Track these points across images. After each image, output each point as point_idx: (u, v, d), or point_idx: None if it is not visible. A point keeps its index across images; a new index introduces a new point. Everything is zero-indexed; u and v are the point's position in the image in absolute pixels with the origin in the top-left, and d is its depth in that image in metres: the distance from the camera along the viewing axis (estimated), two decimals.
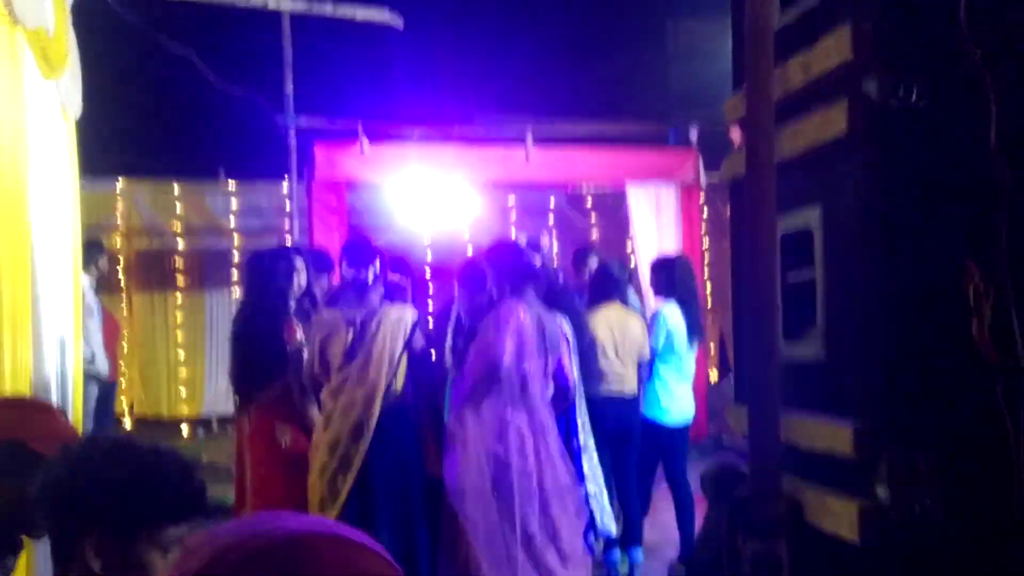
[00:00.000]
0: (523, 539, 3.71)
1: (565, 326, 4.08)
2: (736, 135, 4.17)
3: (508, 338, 3.74)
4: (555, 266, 5.28)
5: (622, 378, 5.11)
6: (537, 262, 4.10)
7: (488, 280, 4.04)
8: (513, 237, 4.17)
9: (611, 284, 5.16)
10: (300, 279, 4.44)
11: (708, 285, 9.35)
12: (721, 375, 10.04)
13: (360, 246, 4.24)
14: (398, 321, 4.01)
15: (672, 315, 5.13)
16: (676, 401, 5.25)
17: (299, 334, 4.10)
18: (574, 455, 4.29)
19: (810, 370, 1.93)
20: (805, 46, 1.86)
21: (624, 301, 5.27)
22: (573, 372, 4.04)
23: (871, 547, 1.70)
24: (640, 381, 5.13)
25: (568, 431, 4.22)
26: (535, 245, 4.04)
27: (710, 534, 2.04)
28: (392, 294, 4.29)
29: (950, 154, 1.68)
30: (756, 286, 1.91)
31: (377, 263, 4.10)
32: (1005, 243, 1.62)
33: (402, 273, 4.64)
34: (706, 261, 9.28)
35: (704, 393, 8.51)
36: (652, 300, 5.86)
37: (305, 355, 3.99)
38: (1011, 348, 1.60)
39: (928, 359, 1.69)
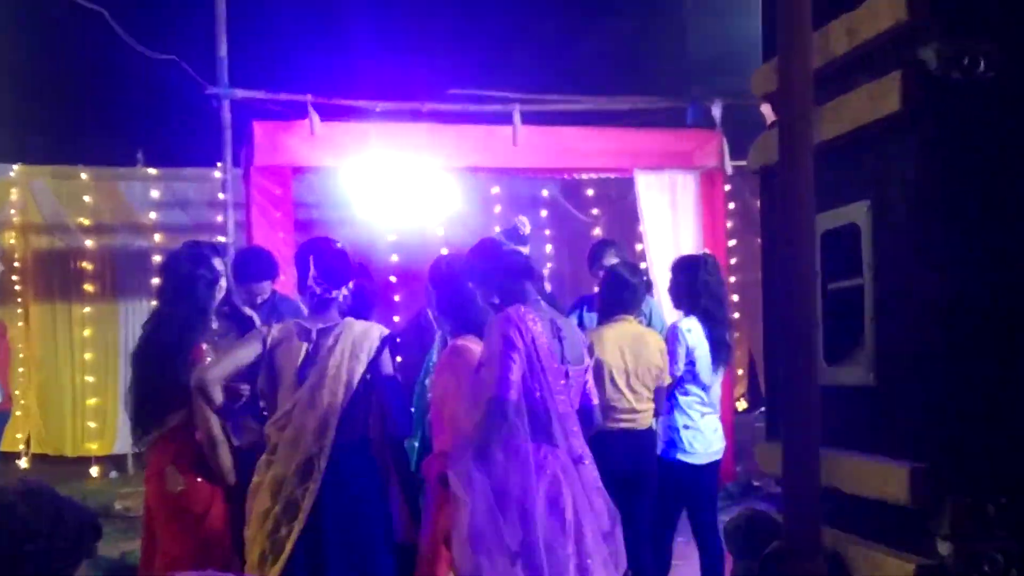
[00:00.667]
0: None
1: (582, 335, 4.03)
2: (768, 112, 4.18)
3: (513, 362, 3.64)
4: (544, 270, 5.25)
5: (635, 408, 5.11)
6: (525, 251, 4.06)
7: (474, 291, 4.00)
8: (493, 232, 4.13)
9: (625, 293, 5.14)
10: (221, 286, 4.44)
11: (734, 295, 9.38)
12: (751, 404, 10.07)
13: (335, 260, 4.13)
14: (362, 335, 3.97)
15: (693, 331, 5.12)
16: (701, 435, 5.23)
17: (208, 358, 4.06)
18: None
19: (857, 399, 1.94)
20: (851, 5, 1.88)
21: (639, 315, 5.24)
22: (592, 393, 3.99)
23: None
24: (657, 412, 5.12)
25: None
26: (515, 234, 3.99)
27: None
28: (357, 306, 4.27)
29: (1016, 131, 1.70)
30: (791, 296, 1.91)
31: (350, 285, 4.06)
32: None
33: (362, 280, 4.61)
34: (731, 264, 9.32)
35: (731, 426, 8.53)
36: (668, 311, 5.85)
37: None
38: None
39: (1001, 387, 1.71)
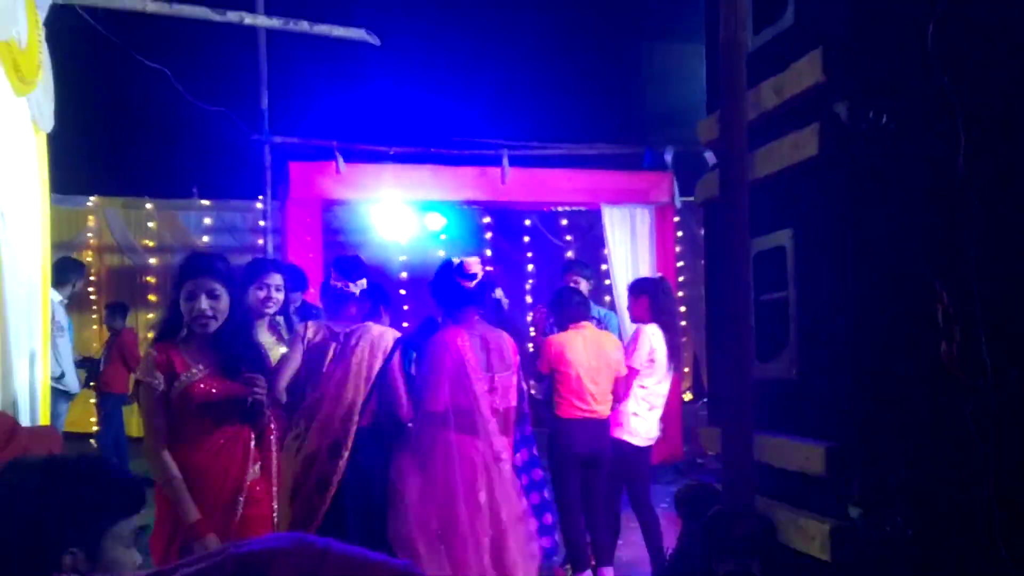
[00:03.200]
0: None
1: (512, 344, 4.07)
2: (711, 157, 4.19)
3: (441, 381, 3.71)
4: (501, 294, 5.26)
5: (595, 401, 5.10)
6: (475, 281, 4.07)
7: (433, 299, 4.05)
8: (453, 259, 4.10)
9: (577, 303, 5.15)
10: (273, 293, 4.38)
11: (682, 307, 9.40)
12: (695, 396, 10.09)
13: (350, 260, 4.16)
14: (379, 337, 3.98)
15: (656, 336, 5.13)
16: (645, 423, 5.24)
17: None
18: (537, 484, 4.29)
19: (782, 390, 1.95)
20: (778, 69, 1.89)
21: (594, 320, 5.26)
22: (523, 392, 4.05)
23: (842, 566, 1.71)
24: (616, 399, 5.11)
25: (531, 460, 4.21)
26: (462, 271, 4.03)
27: (684, 552, 2.04)
28: (375, 302, 4.26)
29: (919, 178, 1.71)
30: (729, 306, 1.92)
31: (364, 281, 4.06)
32: (973, 266, 1.65)
33: (379, 294, 4.59)
34: (680, 281, 9.34)
35: (679, 414, 8.54)
36: (628, 322, 5.86)
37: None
38: (980, 369, 1.63)
39: (899, 379, 1.71)
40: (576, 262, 6.26)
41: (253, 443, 3.40)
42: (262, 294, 4.70)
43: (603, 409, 4.98)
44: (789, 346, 1.93)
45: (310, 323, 4.22)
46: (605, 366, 5.02)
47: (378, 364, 3.91)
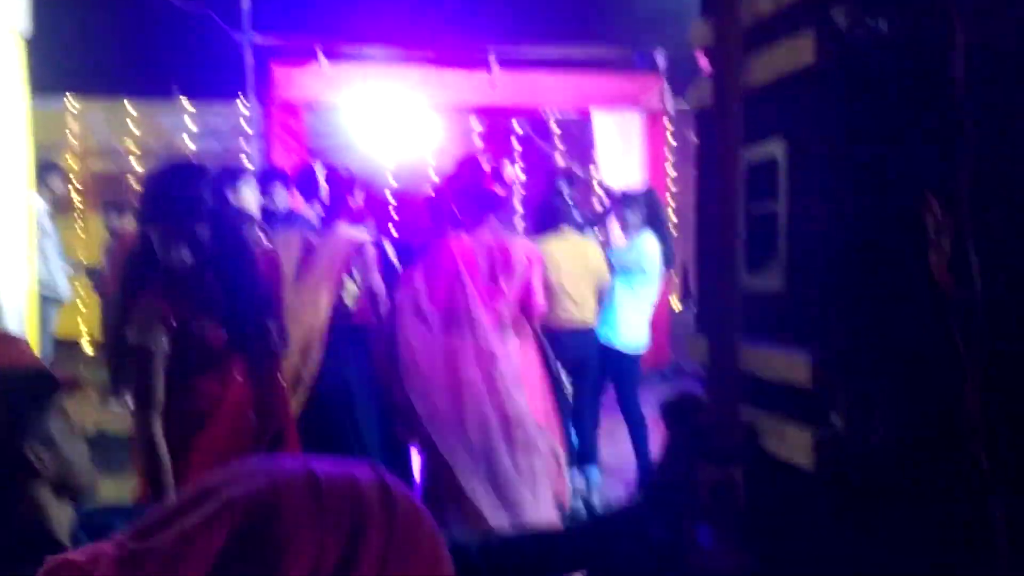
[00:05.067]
0: (487, 471, 3.74)
1: (531, 250, 4.07)
2: (705, 63, 4.13)
3: (438, 279, 3.74)
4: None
5: (580, 307, 5.13)
6: (501, 192, 4.05)
7: (444, 201, 4.02)
8: (482, 160, 4.07)
9: (558, 210, 5.14)
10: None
11: (673, 215, 9.39)
12: (683, 304, 10.17)
13: (306, 175, 4.13)
14: (346, 239, 4.00)
15: (647, 243, 5.15)
16: (633, 328, 5.29)
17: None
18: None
19: (770, 301, 1.95)
20: None
21: (575, 226, 5.26)
22: (539, 297, 4.06)
23: (825, 474, 1.74)
24: (602, 307, 5.15)
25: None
26: (499, 176, 3.99)
27: (668, 460, 2.08)
28: (353, 217, 4.26)
29: (915, 86, 1.68)
30: (719, 217, 1.91)
31: (324, 193, 4.04)
32: (966, 176, 1.63)
33: (365, 198, 4.57)
34: (671, 190, 9.31)
35: (667, 321, 8.62)
36: (617, 232, 5.86)
37: None
38: (968, 280, 1.63)
39: (886, 291, 1.72)
40: (561, 170, 6.24)
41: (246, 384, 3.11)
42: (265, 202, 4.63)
43: (586, 316, 5.01)
44: (778, 258, 1.93)
45: (283, 233, 4.23)
46: (586, 273, 5.03)
47: (340, 263, 3.93)
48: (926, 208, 1.67)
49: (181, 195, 2.91)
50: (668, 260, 5.39)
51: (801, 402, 1.83)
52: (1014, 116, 1.65)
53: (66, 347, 8.31)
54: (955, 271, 1.64)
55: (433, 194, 4.48)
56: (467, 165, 4.12)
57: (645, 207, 5.32)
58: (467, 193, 4.02)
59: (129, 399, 3.12)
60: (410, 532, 0.98)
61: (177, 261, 2.90)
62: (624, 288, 5.28)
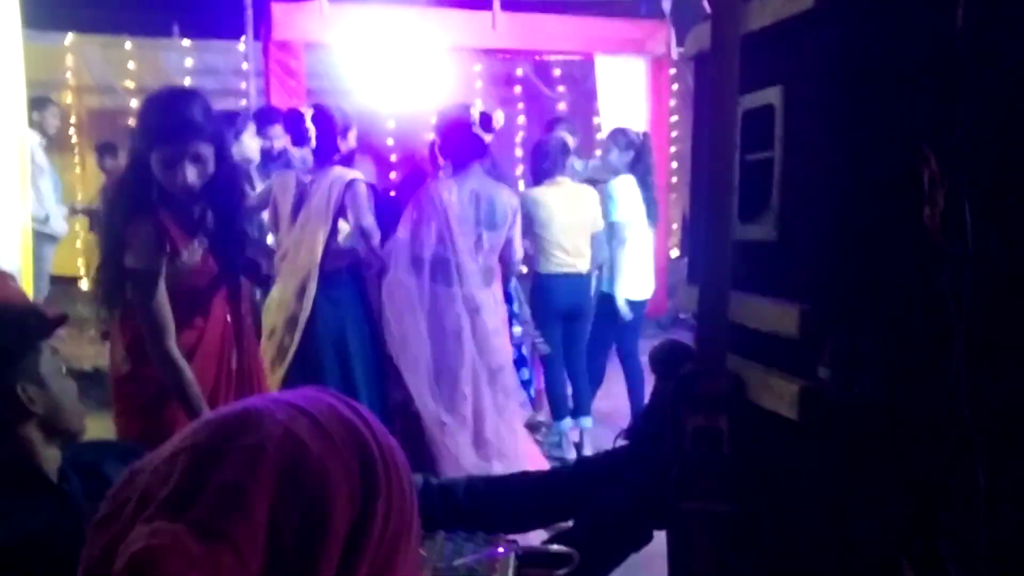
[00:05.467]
0: (464, 419, 3.79)
1: (513, 200, 4.08)
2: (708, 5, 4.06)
3: (425, 226, 3.74)
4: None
5: (572, 255, 5.14)
6: (488, 139, 4.03)
7: (431, 147, 4.02)
8: (472, 106, 4.04)
9: (550, 160, 5.13)
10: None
11: (675, 162, 9.33)
12: (682, 252, 10.15)
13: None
14: (338, 179, 4.00)
15: (630, 189, 5.12)
16: (630, 276, 5.29)
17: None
18: (514, 340, 4.38)
19: (762, 252, 1.94)
20: None
21: (569, 174, 5.24)
22: (518, 248, 4.08)
23: (810, 425, 1.74)
24: (594, 256, 5.15)
25: (508, 317, 4.29)
26: (486, 122, 3.96)
27: (655, 408, 2.09)
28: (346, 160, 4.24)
29: (915, 37, 1.65)
30: (714, 165, 1.89)
31: (313, 133, 4.01)
32: (963, 130, 1.61)
33: (360, 140, 4.53)
34: (673, 136, 9.23)
35: (665, 269, 8.61)
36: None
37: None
38: (961, 236, 1.61)
39: (878, 244, 1.70)
40: (561, 118, 6.19)
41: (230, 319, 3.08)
42: (266, 145, 4.59)
43: (580, 263, 5.02)
44: (771, 207, 1.91)
45: (275, 174, 4.23)
46: (581, 222, 5.02)
47: (334, 204, 3.93)
48: (922, 161, 1.65)
49: (181, 117, 2.88)
50: (649, 211, 5.35)
51: (788, 353, 1.83)
52: (1017, 71, 1.62)
53: (64, 284, 8.30)
54: (948, 227, 1.63)
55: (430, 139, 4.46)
56: (454, 111, 4.11)
57: (632, 150, 5.28)
58: (452, 139, 4.02)
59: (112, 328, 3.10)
60: (394, 453, 1.00)
61: (174, 185, 2.90)
62: (617, 236, 5.26)
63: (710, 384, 1.89)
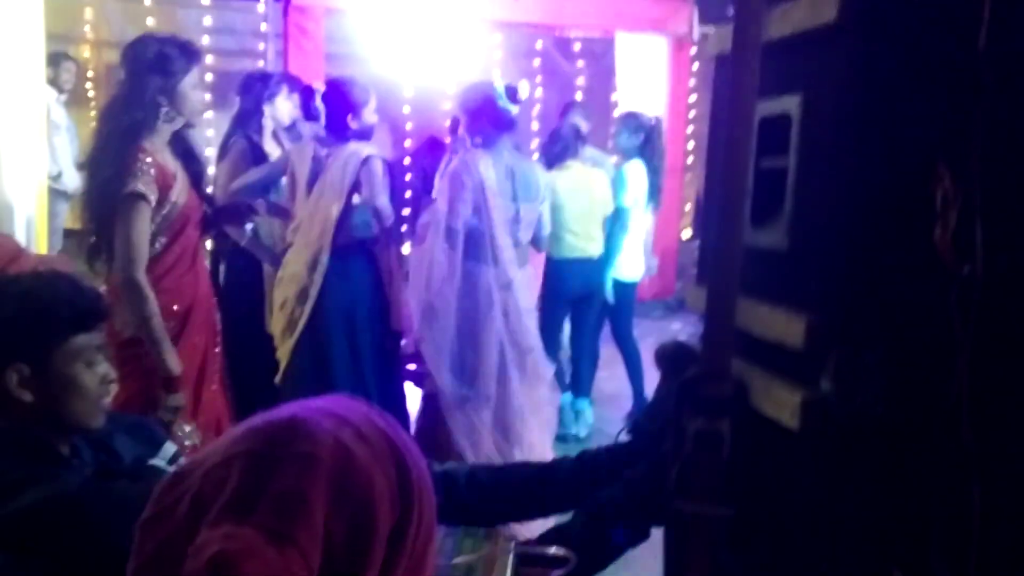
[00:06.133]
0: (494, 403, 3.79)
1: (544, 174, 4.08)
2: None
3: (461, 200, 3.72)
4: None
5: (582, 238, 5.16)
6: (514, 111, 4.02)
7: (460, 124, 4.01)
8: (495, 80, 4.03)
9: (561, 145, 5.16)
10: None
11: (692, 142, 9.28)
12: (694, 234, 10.13)
13: (308, 96, 4.10)
14: (354, 154, 4.01)
15: (638, 173, 5.14)
16: (627, 258, 5.33)
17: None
18: None
19: (773, 259, 1.95)
20: None
21: (587, 159, 5.26)
22: (547, 223, 4.09)
23: (810, 436, 1.76)
24: (609, 236, 5.17)
25: None
26: (512, 93, 3.95)
27: (657, 407, 2.11)
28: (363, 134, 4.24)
29: (936, 55, 1.64)
30: (728, 169, 1.90)
31: (323, 111, 4.01)
32: (979, 150, 1.61)
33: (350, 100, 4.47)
34: (691, 117, 9.17)
35: (675, 251, 8.60)
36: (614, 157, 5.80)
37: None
38: (970, 256, 1.62)
39: (888, 259, 1.71)
40: (575, 103, 6.19)
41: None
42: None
43: (592, 247, 5.04)
44: (783, 215, 1.92)
45: (294, 144, 4.24)
46: (591, 206, 5.03)
47: (349, 180, 3.94)
48: (937, 179, 1.65)
49: (178, 53, 3.21)
50: (654, 196, 5.40)
51: (792, 362, 1.84)
52: None
53: (77, 237, 8.33)
54: (959, 246, 1.63)
55: (451, 113, 4.46)
56: (478, 88, 4.10)
57: (642, 132, 5.30)
58: (480, 115, 4.01)
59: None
60: (419, 460, 1.07)
61: (171, 117, 3.19)
62: (618, 219, 5.29)
63: (714, 388, 1.90)
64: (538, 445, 3.83)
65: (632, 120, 5.39)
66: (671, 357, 2.13)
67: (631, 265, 5.39)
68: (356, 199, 3.94)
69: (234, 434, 1.04)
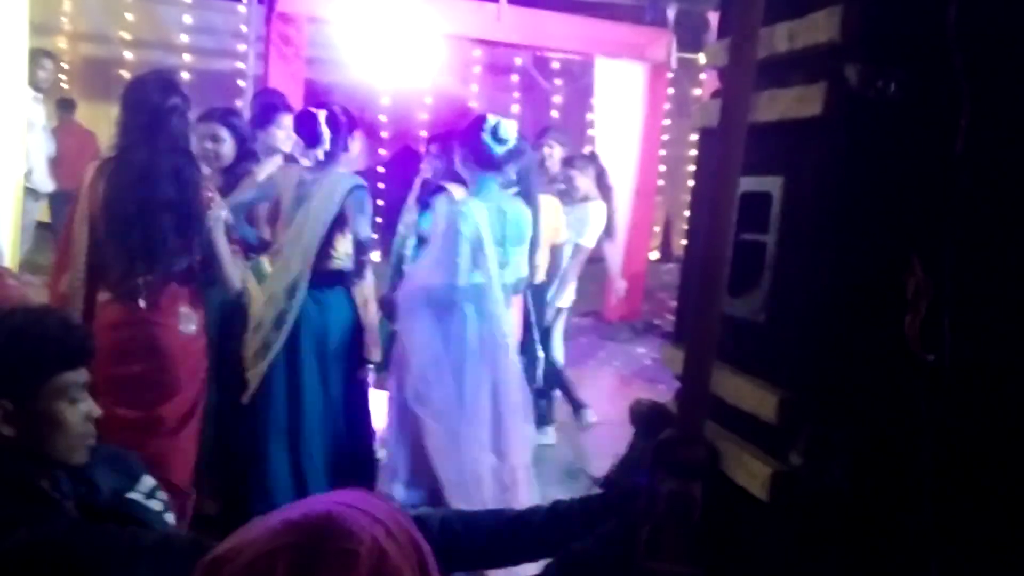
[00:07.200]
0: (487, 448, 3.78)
1: (527, 211, 4.09)
2: (715, 19, 4.13)
3: (459, 248, 3.72)
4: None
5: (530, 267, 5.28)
6: (499, 151, 4.02)
7: (456, 159, 4.01)
8: (488, 116, 4.03)
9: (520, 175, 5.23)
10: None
11: (663, 166, 9.38)
12: (662, 256, 10.25)
13: (310, 121, 4.08)
14: (338, 182, 4.02)
15: (595, 211, 5.32)
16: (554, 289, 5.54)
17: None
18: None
19: (750, 331, 2.01)
20: (795, 14, 1.85)
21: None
22: (525, 263, 4.11)
23: (779, 508, 1.83)
24: (555, 268, 5.27)
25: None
26: (495, 134, 3.96)
27: (631, 465, 2.16)
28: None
29: (915, 152, 1.72)
30: (710, 240, 1.96)
31: (326, 138, 4.01)
32: (951, 247, 1.68)
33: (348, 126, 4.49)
34: (664, 140, 9.27)
35: (643, 274, 8.69)
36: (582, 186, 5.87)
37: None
38: (938, 345, 1.69)
39: (860, 344, 1.78)
40: (553, 128, 6.24)
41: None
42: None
43: (536, 278, 5.14)
44: (761, 290, 1.98)
45: (281, 168, 4.24)
46: (545, 233, 5.10)
47: (334, 208, 3.95)
48: (909, 270, 1.72)
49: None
50: (608, 228, 5.59)
51: (764, 433, 1.91)
52: (1011, 195, 1.70)
53: (50, 231, 8.26)
54: (927, 335, 1.71)
55: (424, 134, 4.48)
56: (475, 117, 4.12)
57: (593, 171, 5.47)
58: (466, 144, 4.02)
59: None
60: (432, 556, 1.17)
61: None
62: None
63: (687, 452, 1.96)
64: (513, 481, 3.84)
65: (579, 160, 5.66)
66: (645, 417, 2.18)
67: (557, 294, 5.57)
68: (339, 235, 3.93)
69: (271, 526, 1.09)
